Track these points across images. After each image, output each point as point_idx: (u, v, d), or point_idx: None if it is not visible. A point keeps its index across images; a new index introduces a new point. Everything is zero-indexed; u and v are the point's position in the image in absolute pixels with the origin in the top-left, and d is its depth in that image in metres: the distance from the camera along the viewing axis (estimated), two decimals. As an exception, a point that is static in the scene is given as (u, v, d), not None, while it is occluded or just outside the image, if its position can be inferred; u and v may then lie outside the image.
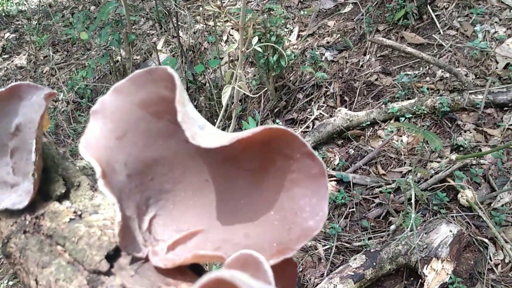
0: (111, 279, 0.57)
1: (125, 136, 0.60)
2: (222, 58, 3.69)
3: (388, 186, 2.49)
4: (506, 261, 2.19)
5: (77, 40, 5.21)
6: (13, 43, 6.28)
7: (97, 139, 0.59)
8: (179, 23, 3.77)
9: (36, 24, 6.33)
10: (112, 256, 0.59)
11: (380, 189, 2.50)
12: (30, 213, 0.69)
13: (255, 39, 1.57)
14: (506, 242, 2.19)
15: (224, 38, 4.11)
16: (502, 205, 2.33)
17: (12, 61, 5.86)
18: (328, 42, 3.64)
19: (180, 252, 0.56)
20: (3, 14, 7.48)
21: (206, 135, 0.53)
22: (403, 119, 2.81)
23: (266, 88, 3.30)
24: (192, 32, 4.16)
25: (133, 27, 4.73)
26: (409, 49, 2.71)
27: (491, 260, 2.20)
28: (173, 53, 4.20)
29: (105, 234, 0.61)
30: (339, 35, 3.68)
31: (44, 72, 5.33)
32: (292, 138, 0.53)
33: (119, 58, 4.08)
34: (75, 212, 0.67)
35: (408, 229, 2.12)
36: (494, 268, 2.18)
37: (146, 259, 0.58)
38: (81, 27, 4.83)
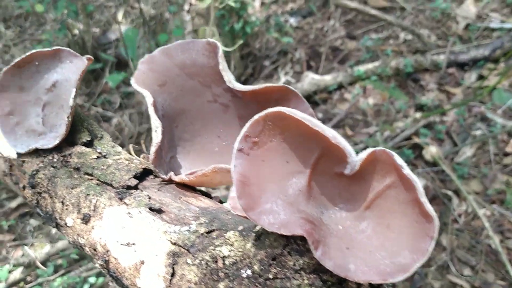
0: (138, 192, 0.70)
1: (164, 85, 0.78)
2: (185, 28, 3.63)
3: (356, 147, 2.55)
4: (469, 211, 2.30)
5: (31, 14, 4.99)
6: (-40, 19, 5.96)
7: (144, 80, 0.76)
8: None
9: (-16, -1, 6.00)
10: (139, 178, 0.72)
11: (349, 149, 2.56)
12: (57, 153, 0.81)
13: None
14: (469, 193, 2.30)
15: (186, 7, 4.03)
16: (465, 159, 2.44)
17: (-40, 39, 5.56)
18: (292, 8, 3.64)
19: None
20: None
21: (237, 84, 0.71)
22: (368, 81, 2.87)
23: (231, 56, 3.29)
24: (152, 2, 4.07)
25: (90, -2, 4.57)
26: (374, 11, 2.76)
27: (454, 211, 2.31)
28: (134, 24, 4.10)
29: (131, 163, 0.76)
30: (303, 1, 3.68)
31: (-4, 49, 5.10)
32: (300, 101, 0.70)
33: (77, 31, 3.94)
34: (100, 153, 0.80)
35: None
36: (458, 218, 2.30)
37: (168, 182, 0.73)
38: (35, -1, 4.62)
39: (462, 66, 2.80)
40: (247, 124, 0.54)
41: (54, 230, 2.83)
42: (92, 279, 2.32)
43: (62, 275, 2.42)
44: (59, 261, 2.54)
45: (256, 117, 0.53)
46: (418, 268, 0.48)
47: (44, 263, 2.50)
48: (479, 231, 2.22)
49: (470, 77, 2.73)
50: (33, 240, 2.83)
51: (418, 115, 2.54)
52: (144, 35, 3.41)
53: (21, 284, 2.48)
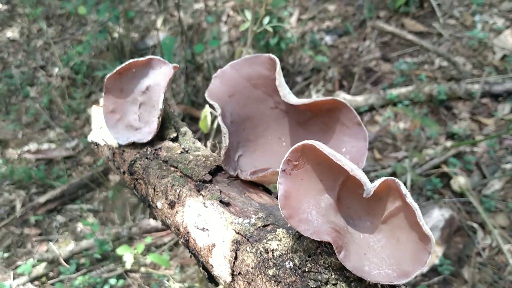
0: (212, 186, 0.85)
1: (233, 96, 0.91)
2: (221, 39, 3.69)
3: (383, 171, 2.54)
4: (493, 245, 2.26)
5: (73, 14, 5.14)
6: (5, 15, 6.17)
7: (216, 93, 0.89)
8: (179, 2, 3.74)
9: (30, -4, 6.21)
10: (212, 173, 0.87)
11: (375, 173, 2.55)
12: (150, 147, 0.98)
13: (266, 19, 1.59)
14: (494, 227, 2.26)
15: (224, 18, 4.10)
16: (492, 192, 2.40)
17: (4, 34, 5.76)
18: (328, 27, 3.65)
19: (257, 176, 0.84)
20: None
21: (292, 97, 0.82)
22: (400, 105, 2.85)
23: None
24: (191, 11, 4.15)
25: (131, 3, 4.69)
26: (410, 36, 2.75)
27: (479, 244, 2.28)
28: (171, 31, 4.18)
29: (207, 160, 0.90)
30: (339, 19, 3.70)
31: (37, 46, 5.27)
32: (348, 110, 0.79)
33: (116, 34, 4.04)
34: (183, 148, 0.96)
35: None
36: (482, 252, 2.26)
37: (236, 178, 0.87)
38: (78, 1, 4.77)
39: (496, 97, 2.77)
40: (289, 151, 0.68)
41: (79, 229, 2.90)
42: (112, 281, 2.37)
43: (84, 274, 2.48)
44: (82, 260, 2.60)
45: (295, 146, 0.67)
46: (416, 275, 0.62)
47: (67, 260, 2.57)
48: (503, 267, 2.18)
49: (504, 109, 2.69)
50: (58, 237, 2.91)
51: (448, 143, 2.51)
52: (181, 43, 3.48)
53: (43, 279, 2.55)
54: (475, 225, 2.32)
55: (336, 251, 0.61)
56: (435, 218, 2.27)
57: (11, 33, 5.72)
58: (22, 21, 5.76)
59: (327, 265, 0.64)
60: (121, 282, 2.37)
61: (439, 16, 3.35)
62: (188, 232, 0.84)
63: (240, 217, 0.77)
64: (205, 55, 3.57)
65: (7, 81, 4.72)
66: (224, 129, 0.85)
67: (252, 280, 0.69)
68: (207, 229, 0.79)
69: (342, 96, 2.94)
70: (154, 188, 0.92)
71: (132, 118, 1.03)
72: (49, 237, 2.95)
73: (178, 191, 0.87)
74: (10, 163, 3.73)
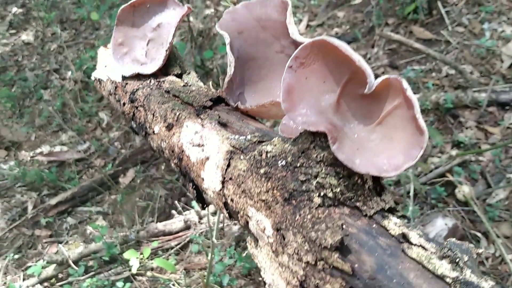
0: (211, 111, 0.89)
1: (242, 33, 0.95)
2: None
3: (388, 178, 2.56)
4: (497, 254, 2.27)
5: (87, 19, 5.22)
6: (20, 18, 6.29)
7: (226, 27, 0.92)
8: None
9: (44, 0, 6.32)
10: (213, 102, 0.92)
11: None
12: (154, 79, 1.03)
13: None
14: (498, 236, 2.26)
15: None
16: (497, 202, 2.40)
17: (19, 37, 5.87)
18: (337, 33, 3.68)
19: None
20: (11, -12, 7.46)
21: (299, 36, 0.85)
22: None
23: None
24: (202, 17, 4.19)
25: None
26: (417, 45, 2.76)
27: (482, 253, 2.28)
28: (182, 37, 4.23)
29: (209, 91, 0.96)
30: (348, 26, 3.72)
31: (51, 49, 5.36)
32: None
33: (128, 39, 4.10)
34: (186, 83, 1.01)
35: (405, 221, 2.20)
36: (485, 261, 2.27)
37: (235, 109, 0.92)
38: (91, 6, 4.85)
39: (503, 105, 2.76)
40: (298, 48, 0.69)
41: (89, 231, 2.95)
42: (120, 284, 2.42)
43: (92, 276, 2.54)
44: (90, 263, 2.65)
45: (305, 43, 0.69)
46: (407, 168, 0.63)
47: (76, 262, 2.62)
48: (506, 276, 2.18)
49: (510, 118, 2.69)
50: (68, 239, 2.97)
51: (454, 152, 2.52)
52: (190, 49, 3.53)
53: (53, 280, 2.61)
54: (479, 234, 2.32)
55: (330, 142, 0.63)
56: (438, 227, 2.28)
57: (26, 36, 5.83)
58: (36, 25, 5.86)
59: (319, 159, 0.66)
60: (128, 285, 2.42)
61: (448, 23, 3.35)
62: (182, 151, 0.87)
63: (236, 135, 0.81)
64: (214, 61, 3.61)
65: (22, 84, 4.82)
66: (230, 57, 0.89)
67: (242, 182, 0.72)
68: (203, 145, 0.82)
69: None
70: (153, 114, 0.95)
71: (139, 53, 1.05)
72: (59, 239, 3.01)
73: (177, 114, 0.90)
74: (23, 165, 3.81)
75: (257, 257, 0.70)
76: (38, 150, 3.97)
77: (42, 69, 5.05)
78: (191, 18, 4.07)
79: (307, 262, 0.61)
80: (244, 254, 2.35)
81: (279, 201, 0.66)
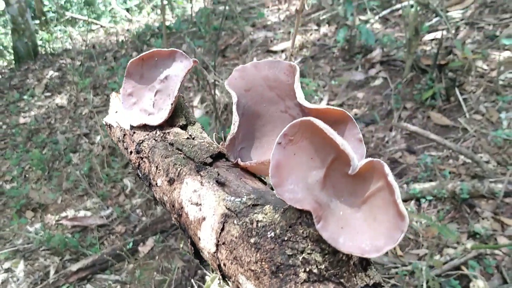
0: (211, 168, 0.93)
1: (249, 91, 0.99)
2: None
3: (404, 268, 2.57)
4: None
5: (117, 89, 5.47)
6: (56, 82, 6.63)
7: (235, 84, 0.98)
8: (215, 81, 3.98)
9: (80, 65, 6.67)
10: (214, 158, 0.96)
11: (396, 270, 2.58)
12: (159, 130, 1.08)
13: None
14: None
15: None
16: (515, 298, 2.38)
17: (53, 100, 6.18)
18: (356, 114, 3.80)
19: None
20: (49, 52, 7.91)
21: (305, 101, 0.90)
22: (423, 200, 2.91)
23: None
24: (226, 91, 4.38)
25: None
26: (433, 136, 2.85)
27: None
28: (207, 110, 4.42)
29: (211, 146, 0.99)
30: (367, 108, 3.84)
31: (83, 113, 5.62)
32: (353, 125, 0.84)
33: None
34: (190, 135, 1.05)
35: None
36: None
37: (235, 166, 0.95)
38: (122, 76, 5.11)
39: (521, 197, 2.79)
40: (287, 126, 0.73)
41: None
42: None
43: None
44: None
45: (294, 122, 0.73)
46: (387, 251, 0.65)
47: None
48: None
49: (528, 211, 2.71)
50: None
51: (469, 245, 2.54)
52: (214, 125, 3.69)
53: None
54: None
55: (315, 221, 0.67)
56: (454, 321, 2.27)
57: (60, 99, 6.13)
58: (70, 89, 6.17)
59: (305, 235, 0.69)
60: None
61: (465, 110, 3.45)
62: (182, 207, 0.90)
63: (232, 196, 0.83)
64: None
65: (52, 146, 5.03)
66: (235, 117, 0.94)
67: (234, 248, 0.76)
68: (200, 204, 0.85)
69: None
70: (156, 167, 0.99)
71: (147, 104, 1.10)
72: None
73: (179, 169, 0.94)
74: (48, 228, 3.93)
75: None
76: (63, 214, 4.10)
77: (72, 133, 5.28)
78: (216, 92, 4.26)
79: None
80: None
81: (267, 273, 0.70)
